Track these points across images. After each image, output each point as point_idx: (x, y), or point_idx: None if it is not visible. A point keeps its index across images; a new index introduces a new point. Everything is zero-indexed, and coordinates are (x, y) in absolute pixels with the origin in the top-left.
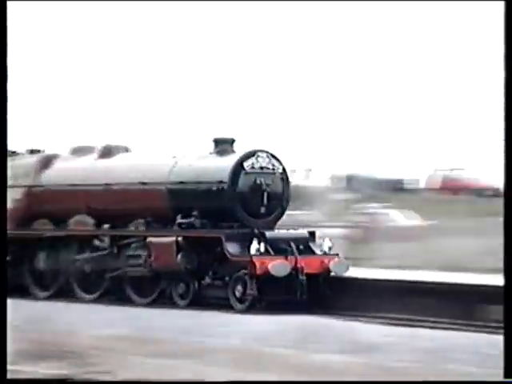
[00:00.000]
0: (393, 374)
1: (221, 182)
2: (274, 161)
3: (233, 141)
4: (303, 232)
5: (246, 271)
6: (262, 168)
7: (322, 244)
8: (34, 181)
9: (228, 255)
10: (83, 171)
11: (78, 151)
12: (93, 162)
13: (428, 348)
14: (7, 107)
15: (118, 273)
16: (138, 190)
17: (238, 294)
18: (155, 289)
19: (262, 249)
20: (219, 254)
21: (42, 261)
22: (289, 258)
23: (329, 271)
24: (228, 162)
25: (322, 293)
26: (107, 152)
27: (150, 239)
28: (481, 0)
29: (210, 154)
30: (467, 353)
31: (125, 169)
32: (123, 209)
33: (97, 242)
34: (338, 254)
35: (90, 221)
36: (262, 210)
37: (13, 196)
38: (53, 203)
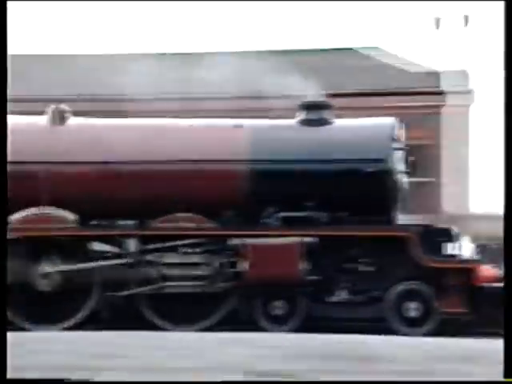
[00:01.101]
0: None
1: (377, 160)
2: (403, 131)
3: (329, 106)
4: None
5: (415, 282)
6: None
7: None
8: None
9: (430, 261)
10: (35, 143)
11: None
12: (46, 129)
13: None
14: (7, 103)
15: (144, 289)
16: (186, 172)
17: (413, 313)
18: (215, 310)
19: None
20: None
21: None
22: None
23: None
24: (370, 133)
25: None
26: (62, 116)
27: (243, 241)
28: (481, 0)
29: (301, 121)
30: None
31: (135, 140)
32: (144, 198)
33: (100, 247)
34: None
35: (67, 216)
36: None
37: None
38: None
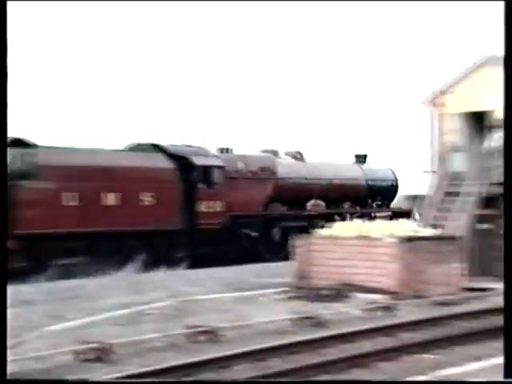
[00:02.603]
0: None
1: (396, 180)
2: None
3: (366, 156)
4: None
5: None
6: None
7: None
8: (279, 174)
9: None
10: (307, 169)
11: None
12: (303, 163)
13: None
14: (7, 106)
15: None
16: (351, 184)
17: None
18: None
19: None
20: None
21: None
22: None
23: None
24: (387, 169)
25: None
26: (300, 156)
27: (376, 214)
28: (481, 0)
29: (357, 162)
30: None
31: (332, 169)
32: (340, 195)
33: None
34: None
35: (322, 204)
36: None
37: (262, 186)
38: (293, 191)
